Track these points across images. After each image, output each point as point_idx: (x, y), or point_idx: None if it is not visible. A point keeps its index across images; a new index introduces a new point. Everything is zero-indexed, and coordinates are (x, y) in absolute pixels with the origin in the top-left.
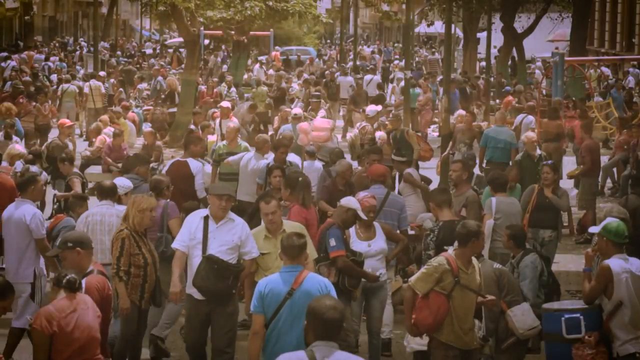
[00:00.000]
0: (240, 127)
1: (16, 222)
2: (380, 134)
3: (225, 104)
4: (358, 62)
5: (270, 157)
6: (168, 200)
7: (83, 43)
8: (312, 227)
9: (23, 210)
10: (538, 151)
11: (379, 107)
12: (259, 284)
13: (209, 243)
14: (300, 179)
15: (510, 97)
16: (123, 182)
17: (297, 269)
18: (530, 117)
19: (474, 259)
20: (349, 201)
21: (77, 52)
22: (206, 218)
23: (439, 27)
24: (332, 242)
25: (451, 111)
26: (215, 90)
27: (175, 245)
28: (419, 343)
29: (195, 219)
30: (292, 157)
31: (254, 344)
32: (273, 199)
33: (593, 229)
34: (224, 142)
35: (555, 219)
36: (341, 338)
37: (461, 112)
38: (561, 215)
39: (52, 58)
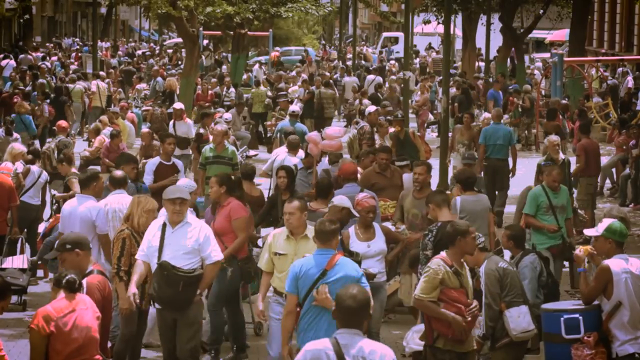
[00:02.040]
0: (227, 130)
1: (82, 218)
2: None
3: (179, 105)
4: (363, 62)
5: (301, 155)
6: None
7: (76, 44)
8: None
9: (87, 206)
10: (562, 155)
11: (373, 108)
12: (294, 265)
13: (164, 249)
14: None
15: (511, 97)
16: (188, 183)
17: (330, 252)
18: None
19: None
20: (341, 200)
21: (74, 52)
22: (165, 224)
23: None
24: None
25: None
26: (210, 92)
27: (136, 255)
28: (418, 343)
29: (155, 225)
30: (294, 161)
31: (286, 323)
32: (296, 200)
33: (591, 232)
34: (211, 145)
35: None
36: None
37: (487, 115)
38: None
39: (51, 59)
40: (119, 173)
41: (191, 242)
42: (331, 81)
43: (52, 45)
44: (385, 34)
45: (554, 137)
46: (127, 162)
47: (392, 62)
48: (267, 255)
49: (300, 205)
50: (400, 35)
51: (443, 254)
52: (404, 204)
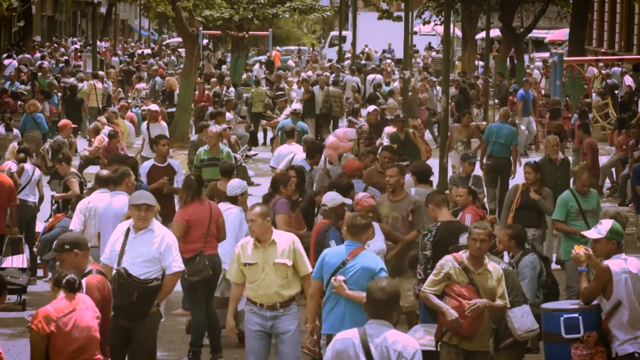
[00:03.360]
0: (222, 132)
1: (115, 214)
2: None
3: (154, 107)
4: (363, 61)
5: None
6: (278, 197)
7: (74, 45)
8: (201, 225)
9: (121, 202)
10: (560, 155)
11: (372, 107)
12: (322, 253)
13: (124, 255)
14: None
15: (511, 97)
16: (239, 183)
17: (356, 245)
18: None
19: (491, 263)
20: (334, 198)
21: (72, 52)
22: (129, 229)
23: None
24: (333, 245)
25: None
26: (207, 92)
27: (101, 257)
28: (421, 343)
29: (120, 230)
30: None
31: (309, 305)
32: (258, 206)
33: (592, 234)
34: (206, 147)
35: (539, 218)
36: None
37: (530, 119)
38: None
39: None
40: (104, 172)
41: (152, 250)
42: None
43: (56, 45)
44: (333, 33)
45: (553, 137)
46: (118, 162)
47: (388, 61)
48: (236, 266)
49: (262, 211)
50: (348, 34)
51: (460, 253)
52: (380, 211)
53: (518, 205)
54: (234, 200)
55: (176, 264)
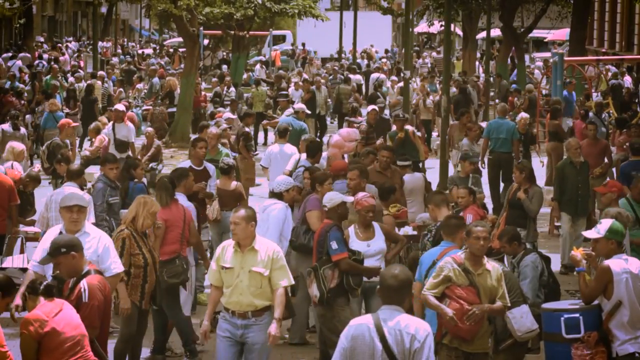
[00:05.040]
0: (222, 133)
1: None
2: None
3: (120, 107)
4: (365, 61)
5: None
6: (314, 194)
7: (72, 44)
8: (177, 227)
9: (180, 202)
10: (581, 158)
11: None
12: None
13: None
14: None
15: (510, 97)
16: (285, 179)
17: (448, 245)
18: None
19: (490, 263)
20: (332, 198)
21: (70, 51)
22: (61, 233)
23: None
24: (334, 245)
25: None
26: (203, 94)
27: (29, 264)
28: None
29: (51, 234)
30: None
31: (414, 306)
32: (242, 209)
33: (591, 234)
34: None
35: (523, 218)
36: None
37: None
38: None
39: (45, 57)
40: (75, 167)
41: (89, 253)
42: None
43: (59, 45)
44: (273, 32)
45: (574, 140)
46: (111, 162)
47: (384, 60)
48: (216, 268)
49: (246, 215)
50: (287, 33)
51: (459, 252)
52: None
53: (507, 204)
54: (279, 196)
55: (115, 266)
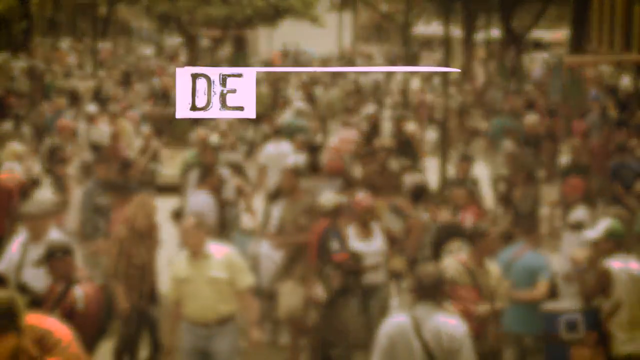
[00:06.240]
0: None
1: (194, 212)
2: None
3: (92, 108)
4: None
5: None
6: None
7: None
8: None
9: (200, 201)
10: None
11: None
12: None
13: (24, 268)
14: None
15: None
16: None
17: (522, 245)
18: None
19: (490, 263)
20: (329, 199)
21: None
22: (25, 241)
23: (437, 28)
24: (335, 246)
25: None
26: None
27: None
28: None
29: (15, 243)
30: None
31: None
32: (192, 216)
33: (589, 234)
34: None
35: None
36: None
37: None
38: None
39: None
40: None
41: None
42: None
43: (59, 46)
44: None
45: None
46: (102, 161)
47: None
48: (173, 283)
49: (196, 222)
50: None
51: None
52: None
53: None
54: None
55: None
